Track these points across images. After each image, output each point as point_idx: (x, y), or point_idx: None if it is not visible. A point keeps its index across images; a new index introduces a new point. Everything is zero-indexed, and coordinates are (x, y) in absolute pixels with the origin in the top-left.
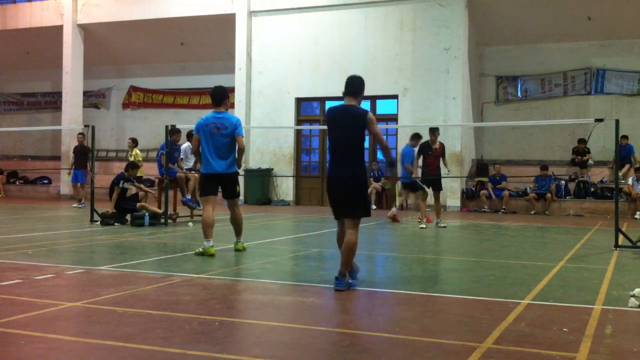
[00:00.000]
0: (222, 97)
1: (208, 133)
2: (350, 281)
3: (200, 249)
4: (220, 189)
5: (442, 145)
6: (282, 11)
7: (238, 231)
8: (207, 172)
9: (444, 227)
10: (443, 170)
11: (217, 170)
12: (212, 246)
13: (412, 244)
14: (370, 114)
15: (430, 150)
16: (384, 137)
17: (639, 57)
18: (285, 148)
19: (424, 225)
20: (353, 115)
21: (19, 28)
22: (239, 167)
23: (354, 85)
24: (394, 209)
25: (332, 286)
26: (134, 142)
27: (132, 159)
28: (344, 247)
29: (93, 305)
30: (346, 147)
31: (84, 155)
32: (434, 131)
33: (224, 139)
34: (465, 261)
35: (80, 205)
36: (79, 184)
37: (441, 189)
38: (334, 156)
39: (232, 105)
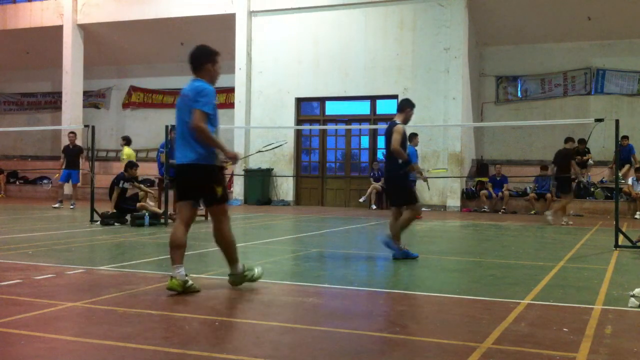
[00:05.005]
0: None
1: None
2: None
3: None
4: None
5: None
6: (282, 11)
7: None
8: None
9: (570, 224)
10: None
11: None
12: None
13: (412, 244)
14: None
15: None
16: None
17: (639, 57)
18: (285, 148)
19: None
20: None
21: (19, 28)
22: None
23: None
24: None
25: (332, 286)
26: (125, 140)
27: (125, 157)
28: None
29: (93, 305)
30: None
31: (76, 154)
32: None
33: None
34: (465, 261)
35: (59, 205)
36: (69, 183)
37: (569, 192)
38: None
39: (232, 105)
